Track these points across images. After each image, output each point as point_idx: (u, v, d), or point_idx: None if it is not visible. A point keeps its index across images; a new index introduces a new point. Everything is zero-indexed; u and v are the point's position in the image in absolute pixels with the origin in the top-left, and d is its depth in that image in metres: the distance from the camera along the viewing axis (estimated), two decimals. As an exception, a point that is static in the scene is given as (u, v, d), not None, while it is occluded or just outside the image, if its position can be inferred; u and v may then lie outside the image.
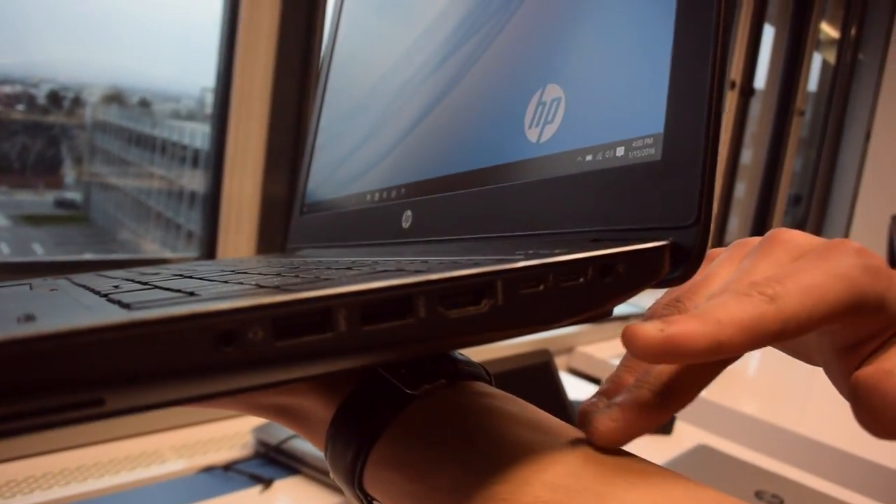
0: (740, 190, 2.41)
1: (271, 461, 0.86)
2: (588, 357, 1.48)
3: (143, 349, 0.14)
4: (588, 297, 0.20)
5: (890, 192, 2.53)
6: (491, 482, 0.20)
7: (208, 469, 0.82)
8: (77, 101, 1.26)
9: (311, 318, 0.16)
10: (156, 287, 0.23)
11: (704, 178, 0.22)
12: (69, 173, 1.31)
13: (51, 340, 0.13)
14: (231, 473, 0.82)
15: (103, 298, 0.21)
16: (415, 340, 0.17)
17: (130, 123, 1.43)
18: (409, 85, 0.38)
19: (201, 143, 1.36)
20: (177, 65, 1.32)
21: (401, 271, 0.20)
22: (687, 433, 1.08)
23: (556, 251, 0.21)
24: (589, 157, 0.26)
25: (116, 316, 0.14)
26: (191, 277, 0.27)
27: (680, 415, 1.11)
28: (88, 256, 1.34)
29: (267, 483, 0.80)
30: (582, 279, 0.20)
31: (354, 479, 0.23)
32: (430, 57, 0.37)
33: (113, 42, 1.18)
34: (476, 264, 0.19)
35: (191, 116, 1.41)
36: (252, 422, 0.91)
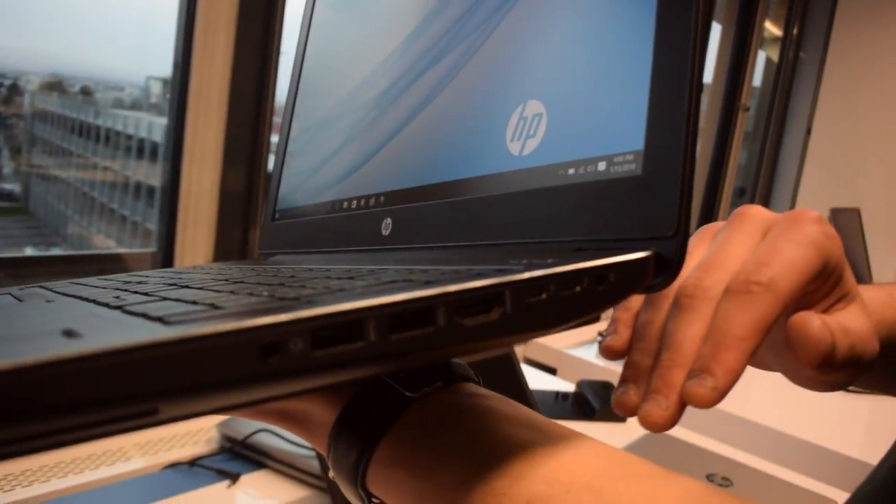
0: (688, 182, 2.46)
1: (237, 456, 0.86)
2: (543, 347, 1.51)
3: (196, 362, 0.15)
4: (584, 304, 0.22)
5: (829, 185, 2.63)
6: (492, 478, 0.21)
7: (173, 465, 0.82)
8: (15, 89, 1.22)
9: (344, 328, 0.17)
10: (164, 299, 0.23)
11: (683, 194, 0.24)
12: (7, 164, 1.27)
13: (111, 357, 0.14)
14: (197, 469, 0.82)
15: (118, 310, 0.21)
16: (434, 347, 0.19)
17: (72, 112, 1.39)
18: (387, 96, 0.39)
19: (147, 133, 1.34)
20: (120, 52, 1.29)
21: (409, 282, 0.21)
22: (641, 420, 1.12)
23: (551, 261, 0.23)
24: (571, 171, 0.28)
25: (164, 332, 0.15)
26: (188, 287, 0.28)
27: (634, 403, 1.15)
28: (30, 252, 1.31)
29: (234, 478, 0.80)
30: (579, 288, 0.22)
31: (357, 479, 0.25)
32: (409, 69, 0.38)
33: (52, 28, 1.14)
34: (480, 275, 0.21)
35: (135, 105, 1.38)
36: (216, 417, 0.91)
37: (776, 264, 0.24)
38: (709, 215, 2.58)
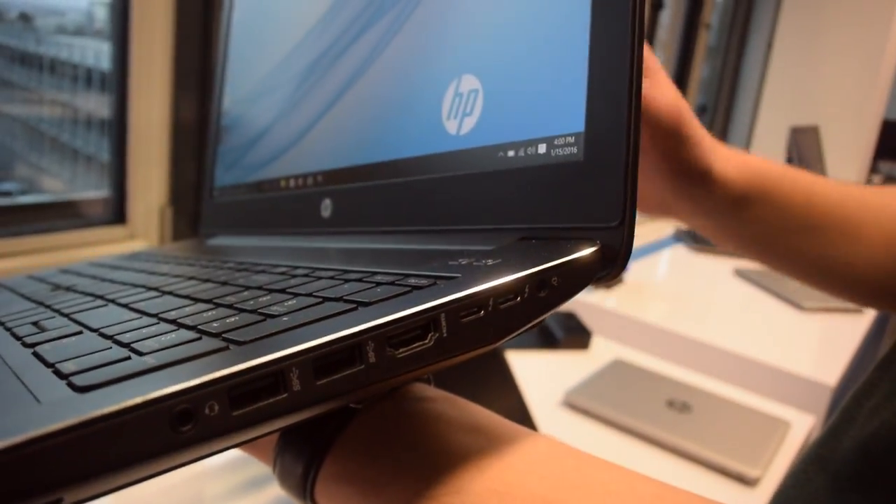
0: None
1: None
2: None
3: (100, 444, 0.14)
4: (525, 313, 0.21)
5: (789, 104, 2.63)
6: (440, 493, 0.21)
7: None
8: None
9: (265, 381, 0.16)
10: (81, 331, 0.22)
11: (627, 179, 0.23)
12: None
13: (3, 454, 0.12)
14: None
15: (30, 351, 0.20)
16: (366, 385, 0.18)
17: (11, 41, 1.32)
18: (317, 68, 0.37)
19: (94, 61, 1.27)
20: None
21: (338, 302, 0.20)
22: (603, 348, 1.14)
23: (490, 262, 0.22)
24: (511, 153, 0.26)
25: (68, 412, 0.13)
26: (114, 303, 0.27)
27: (597, 330, 1.17)
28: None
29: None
30: (519, 298, 0.20)
31: (306, 494, 0.24)
32: (337, 37, 0.35)
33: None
34: (416, 289, 0.19)
35: (79, 32, 1.31)
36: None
37: None
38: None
